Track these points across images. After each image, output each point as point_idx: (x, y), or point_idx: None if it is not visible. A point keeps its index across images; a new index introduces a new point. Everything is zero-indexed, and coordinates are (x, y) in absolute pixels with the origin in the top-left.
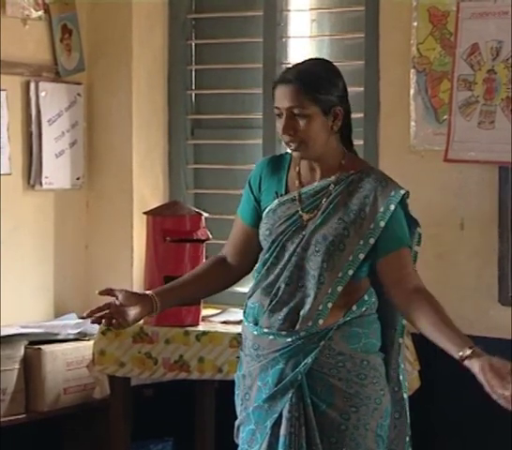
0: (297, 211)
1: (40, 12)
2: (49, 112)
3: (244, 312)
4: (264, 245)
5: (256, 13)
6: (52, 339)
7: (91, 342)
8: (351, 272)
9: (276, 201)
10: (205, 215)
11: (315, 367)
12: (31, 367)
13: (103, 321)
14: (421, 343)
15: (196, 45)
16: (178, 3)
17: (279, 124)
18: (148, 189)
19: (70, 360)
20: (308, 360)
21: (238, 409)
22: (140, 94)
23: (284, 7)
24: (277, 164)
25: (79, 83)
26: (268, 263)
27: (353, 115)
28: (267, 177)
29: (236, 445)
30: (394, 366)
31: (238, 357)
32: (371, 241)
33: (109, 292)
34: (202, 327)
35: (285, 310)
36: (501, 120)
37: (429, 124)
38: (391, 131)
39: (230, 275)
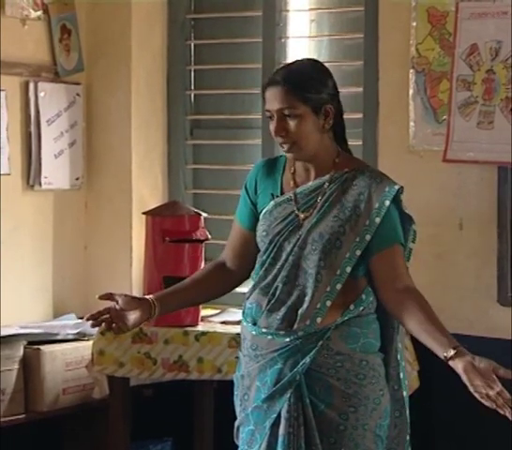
0: (293, 211)
1: (39, 12)
2: (48, 112)
3: (242, 312)
4: (262, 246)
5: (255, 13)
6: (51, 340)
7: (90, 342)
8: (348, 269)
9: (272, 202)
10: (204, 215)
11: (314, 367)
12: (30, 368)
13: (103, 324)
14: (420, 343)
15: (195, 45)
16: (177, 3)
17: (272, 126)
18: (147, 190)
19: (70, 360)
20: (307, 360)
21: (237, 409)
22: (139, 94)
23: (283, 7)
24: (272, 166)
25: (78, 84)
26: (266, 264)
27: (353, 116)
28: (263, 180)
29: (235, 445)
30: (393, 364)
31: (237, 358)
32: (367, 237)
33: (109, 296)
34: (201, 327)
35: (283, 310)
36: (500, 120)
37: (428, 124)
38: (390, 131)
39: (230, 279)
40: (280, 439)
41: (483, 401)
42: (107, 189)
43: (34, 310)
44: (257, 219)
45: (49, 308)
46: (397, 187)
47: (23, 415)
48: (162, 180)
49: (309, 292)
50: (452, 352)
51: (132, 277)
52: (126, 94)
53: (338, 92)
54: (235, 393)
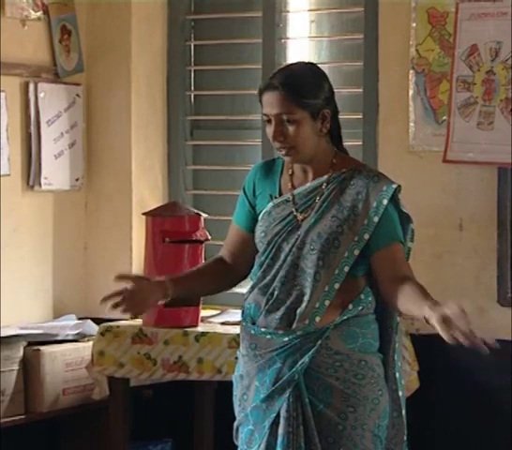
0: (292, 212)
1: (39, 13)
2: (48, 112)
3: (242, 313)
4: (260, 247)
5: (255, 14)
6: (51, 340)
7: (90, 343)
8: (347, 268)
9: (270, 203)
10: (204, 215)
11: (312, 367)
12: (30, 368)
13: (121, 306)
14: (420, 344)
15: (195, 46)
16: (177, 4)
17: (269, 130)
18: (147, 190)
19: (69, 361)
20: (306, 359)
21: (236, 409)
22: (139, 95)
23: (283, 7)
24: (269, 168)
25: (78, 84)
26: (264, 265)
27: (353, 116)
28: (261, 182)
29: (235, 446)
30: (392, 364)
31: (237, 358)
32: (366, 237)
33: (124, 276)
34: (201, 328)
35: (282, 309)
36: (500, 121)
37: (428, 125)
38: (390, 132)
39: (231, 273)
40: (280, 438)
41: (460, 340)
42: (107, 190)
43: (34, 311)
44: (255, 221)
45: (49, 309)
46: (394, 186)
47: (23, 416)
48: (162, 181)
49: (308, 291)
50: (427, 312)
51: None
52: (126, 94)
53: (333, 93)
54: (234, 393)
